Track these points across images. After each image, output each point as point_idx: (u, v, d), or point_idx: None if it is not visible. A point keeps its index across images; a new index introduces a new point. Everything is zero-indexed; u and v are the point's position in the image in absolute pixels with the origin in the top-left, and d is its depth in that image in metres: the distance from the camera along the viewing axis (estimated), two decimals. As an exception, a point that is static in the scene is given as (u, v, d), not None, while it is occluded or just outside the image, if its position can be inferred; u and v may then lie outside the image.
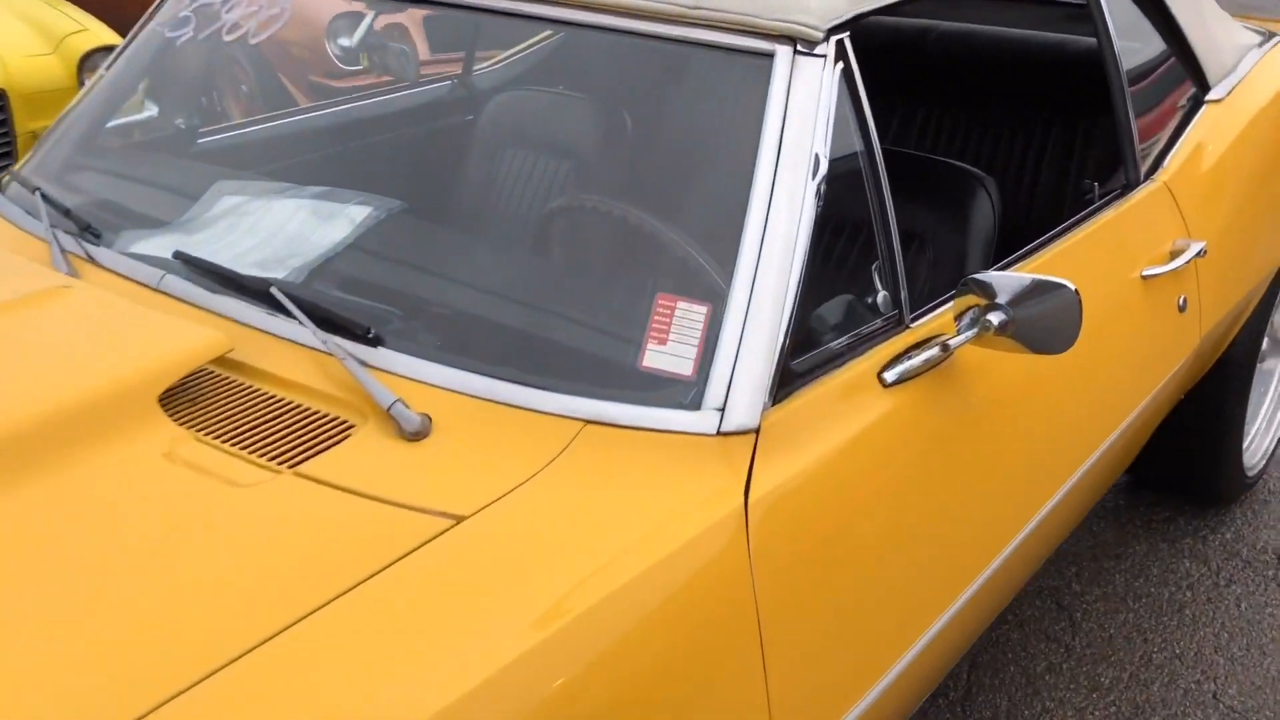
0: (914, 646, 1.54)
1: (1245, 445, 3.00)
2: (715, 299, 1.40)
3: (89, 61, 4.51)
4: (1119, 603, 2.69)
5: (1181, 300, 2.13)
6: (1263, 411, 3.10)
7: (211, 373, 1.45)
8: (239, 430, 1.36)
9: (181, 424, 1.36)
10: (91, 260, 1.76)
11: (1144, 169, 2.16)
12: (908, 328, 1.58)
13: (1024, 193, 2.55)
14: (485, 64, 2.86)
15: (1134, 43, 2.41)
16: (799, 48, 1.51)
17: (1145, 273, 2.03)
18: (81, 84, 4.48)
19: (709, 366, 1.36)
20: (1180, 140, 2.27)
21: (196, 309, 1.60)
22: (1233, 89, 2.44)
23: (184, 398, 1.41)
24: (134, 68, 2.20)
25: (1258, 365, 3.03)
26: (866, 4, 1.60)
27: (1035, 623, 2.61)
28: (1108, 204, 2.07)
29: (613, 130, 1.72)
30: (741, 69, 1.54)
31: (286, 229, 1.76)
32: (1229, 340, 2.57)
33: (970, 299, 1.55)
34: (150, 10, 2.20)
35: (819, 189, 1.46)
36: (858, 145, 1.57)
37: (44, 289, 1.59)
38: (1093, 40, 2.58)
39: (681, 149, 1.63)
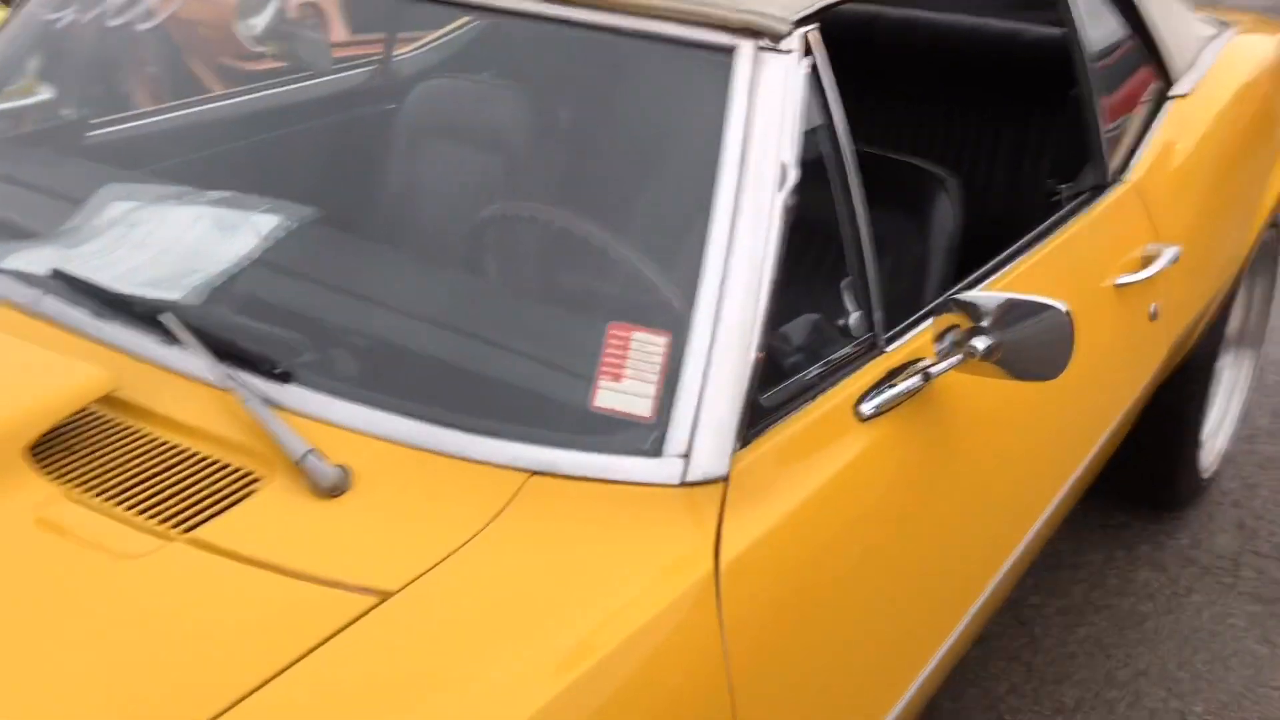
0: (899, 700, 1.40)
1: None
2: (675, 327, 1.24)
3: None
4: (1078, 615, 2.59)
5: (1153, 309, 2.02)
6: (1215, 412, 3.02)
7: (92, 415, 1.25)
8: (123, 485, 1.16)
9: (55, 479, 1.16)
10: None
11: (1111, 169, 2.03)
12: (883, 352, 1.43)
13: (977, 191, 2.42)
14: (409, 48, 2.65)
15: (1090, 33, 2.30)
16: (762, 43, 1.35)
17: (1119, 281, 1.91)
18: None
19: (670, 406, 1.20)
20: (1147, 139, 2.15)
21: (79, 336, 1.40)
22: (1197, 84, 2.33)
23: (59, 446, 1.21)
24: (16, 48, 1.97)
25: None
26: (834, -9, 1.44)
27: (995, 639, 2.50)
28: (1078, 208, 1.94)
29: (554, 131, 1.53)
30: (699, 66, 1.37)
31: (183, 242, 1.55)
32: (1190, 344, 2.47)
33: (951, 319, 1.41)
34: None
35: (787, 202, 1.30)
36: (826, 150, 1.41)
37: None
38: (1049, 29, 2.46)
39: (633, 155, 1.46)
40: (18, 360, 1.29)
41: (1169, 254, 1.97)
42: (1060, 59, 2.13)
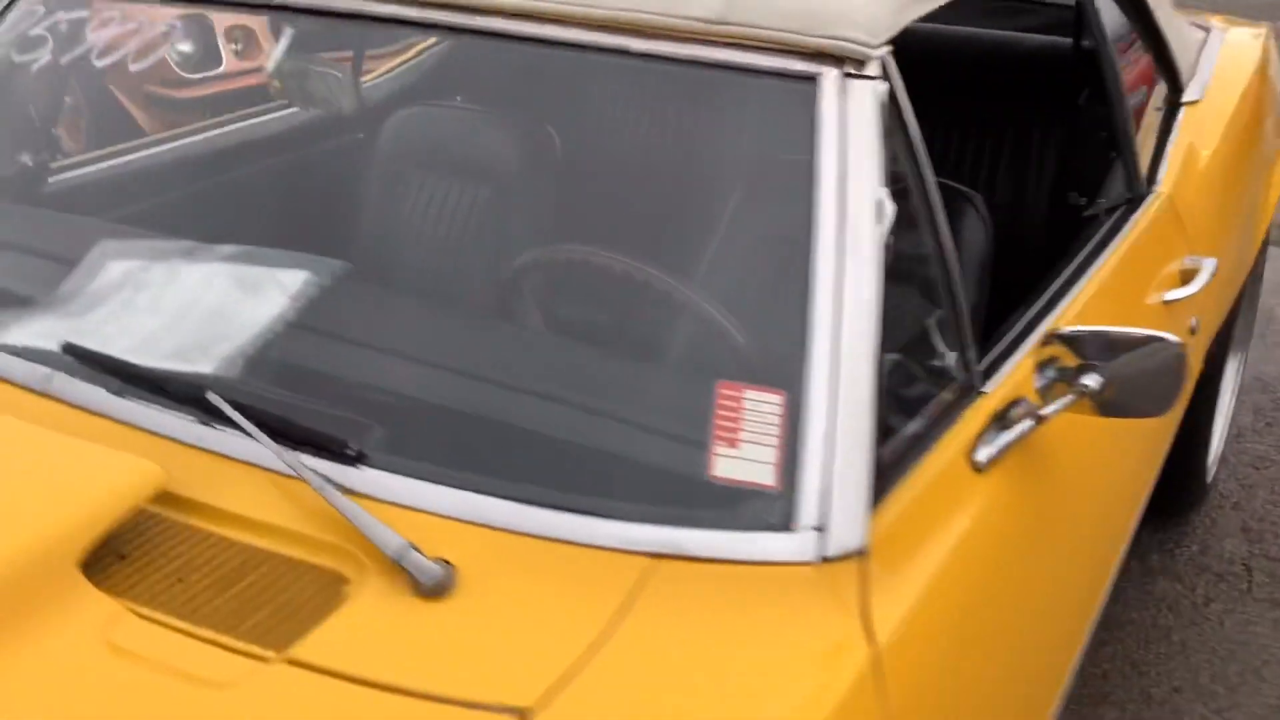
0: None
1: (1203, 451, 2.91)
2: (789, 383, 1.13)
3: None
4: (1104, 632, 2.54)
5: (1193, 323, 1.97)
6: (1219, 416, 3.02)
7: (146, 515, 1.10)
8: (197, 597, 1.02)
9: (118, 594, 1.02)
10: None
11: (1149, 182, 1.98)
12: (982, 393, 1.34)
13: (998, 206, 2.36)
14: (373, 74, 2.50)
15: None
16: (847, 69, 1.25)
17: (1167, 298, 1.86)
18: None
19: (795, 471, 1.09)
20: (1168, 148, 2.11)
21: (101, 419, 1.25)
22: (1205, 89, 2.29)
23: (112, 554, 1.06)
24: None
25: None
26: (913, 10, 1.35)
27: (1023, 664, 2.44)
28: (1119, 223, 1.88)
29: (622, 171, 1.41)
30: (778, 96, 1.27)
31: (201, 305, 1.41)
32: (1205, 351, 2.44)
33: (1050, 354, 1.33)
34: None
35: (886, 239, 1.21)
36: (910, 179, 1.32)
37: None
38: (1049, 38, 2.41)
39: (708, 196, 1.35)
40: (49, 455, 1.13)
41: (1209, 267, 1.92)
42: (1060, 67, 2.08)
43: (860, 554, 1.08)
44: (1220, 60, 2.46)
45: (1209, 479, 2.89)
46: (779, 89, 1.27)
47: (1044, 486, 1.36)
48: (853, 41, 1.25)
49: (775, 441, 1.11)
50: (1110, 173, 2.03)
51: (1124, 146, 1.95)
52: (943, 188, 1.99)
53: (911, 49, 2.24)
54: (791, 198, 1.22)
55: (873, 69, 1.26)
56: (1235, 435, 3.26)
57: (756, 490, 1.09)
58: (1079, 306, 1.61)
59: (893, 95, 1.30)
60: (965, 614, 1.17)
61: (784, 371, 1.14)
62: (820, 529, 1.07)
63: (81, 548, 1.03)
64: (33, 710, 0.91)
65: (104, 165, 2.15)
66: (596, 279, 1.33)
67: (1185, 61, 2.30)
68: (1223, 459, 3.10)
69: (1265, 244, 2.57)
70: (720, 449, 1.11)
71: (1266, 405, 3.45)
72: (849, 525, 1.08)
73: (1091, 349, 1.29)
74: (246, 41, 4.59)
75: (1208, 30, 2.70)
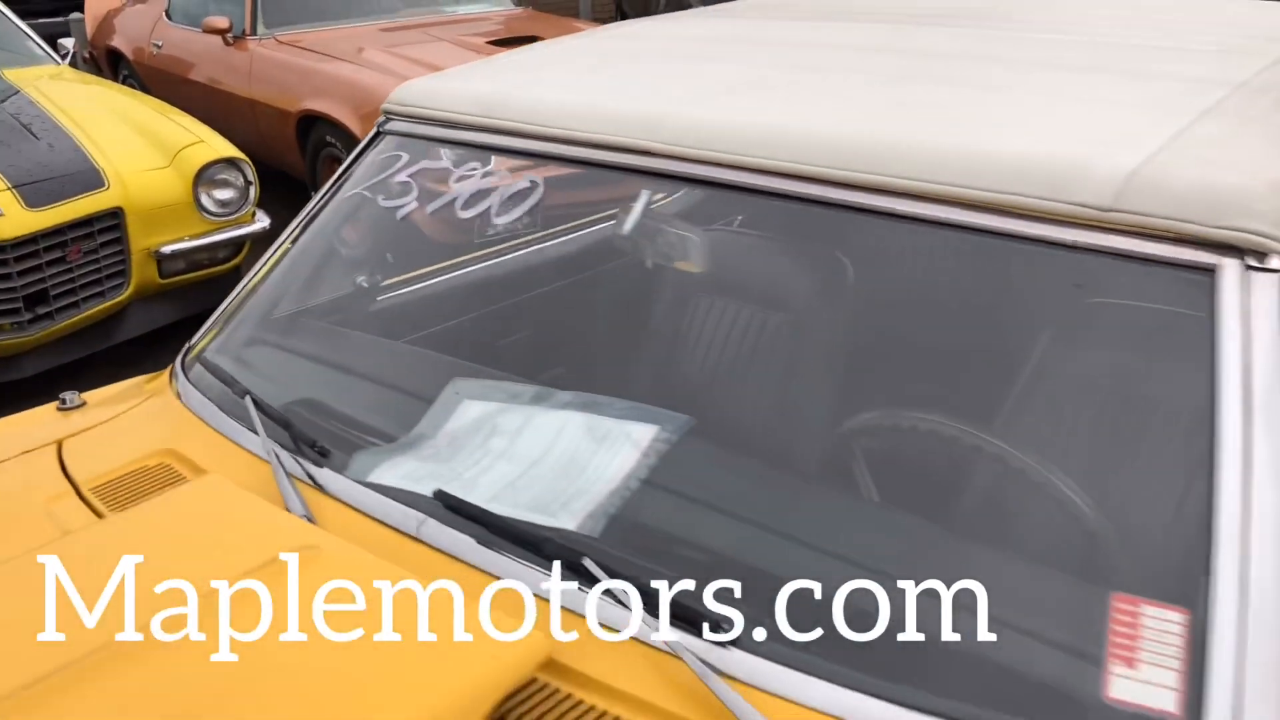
0: None
1: None
2: (1190, 600, 1.07)
3: (205, 175, 4.31)
4: None
5: None
6: None
7: (537, 684, 1.13)
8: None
9: (509, 770, 1.05)
10: (318, 487, 1.47)
11: None
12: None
13: None
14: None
15: None
16: (1249, 261, 1.20)
17: None
18: (197, 198, 4.28)
19: (1201, 701, 1.03)
20: None
21: (469, 568, 1.30)
22: None
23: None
24: (328, 236, 1.93)
25: None
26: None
27: None
28: None
29: (983, 356, 1.38)
30: (1171, 285, 1.22)
31: (556, 455, 1.46)
32: None
33: None
34: (343, 169, 1.93)
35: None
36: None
37: (287, 550, 1.28)
38: None
39: (1095, 387, 1.31)
40: (442, 614, 1.18)
41: None
42: None
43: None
44: None
45: None
46: (1173, 278, 1.22)
47: None
48: (1258, 235, 1.19)
49: (1178, 664, 1.04)
50: None
51: None
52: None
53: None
54: (1191, 395, 1.17)
55: (1276, 262, 1.20)
56: None
57: (1158, 718, 1.03)
58: None
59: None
60: None
61: (1183, 585, 1.08)
62: (1234, 768, 1.00)
63: (483, 713, 1.06)
64: None
65: (422, 285, 2.27)
66: (946, 451, 1.30)
67: None
68: None
69: None
70: (1117, 667, 1.06)
71: None
72: (1266, 767, 1.00)
73: None
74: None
75: None
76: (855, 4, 2.24)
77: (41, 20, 7.91)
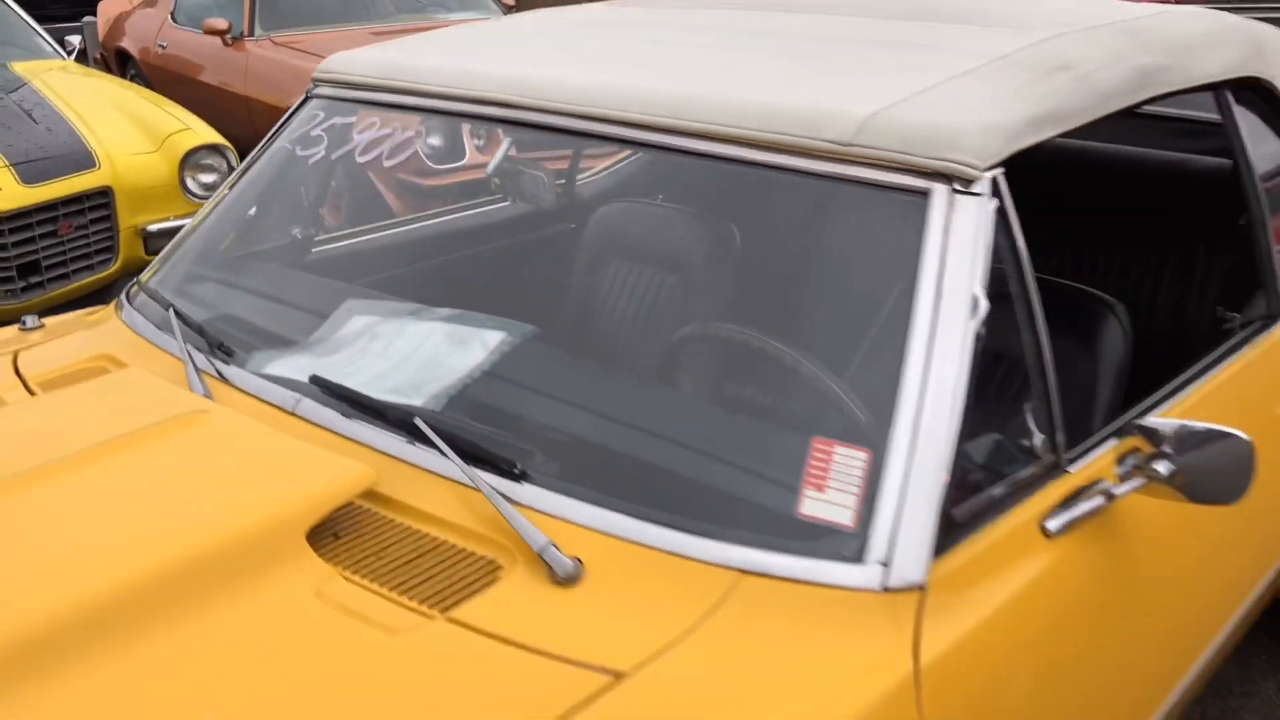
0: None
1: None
2: (875, 445, 1.36)
3: (191, 159, 4.63)
4: (1220, 699, 2.56)
5: (1326, 437, 2.05)
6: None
7: (357, 507, 1.42)
8: (387, 569, 1.33)
9: (330, 561, 1.33)
10: (223, 379, 1.77)
11: (1284, 299, 2.09)
12: (1066, 472, 1.52)
13: (1142, 316, 2.48)
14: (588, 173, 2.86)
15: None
16: (956, 186, 1.48)
17: (1290, 410, 1.96)
18: (182, 181, 4.60)
19: (870, 517, 1.31)
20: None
21: (334, 435, 1.59)
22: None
23: (329, 532, 1.38)
24: (258, 184, 2.23)
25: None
26: (1022, 141, 1.57)
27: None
28: (1250, 337, 2.00)
29: (754, 262, 1.68)
30: (894, 206, 1.51)
31: (420, 353, 1.75)
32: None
33: (1133, 443, 1.49)
34: (275, 128, 2.23)
35: (978, 331, 1.42)
36: (1012, 281, 1.53)
37: (182, 414, 1.58)
38: (1215, 160, 2.53)
39: (831, 285, 1.60)
40: (294, 456, 1.47)
41: (1343, 385, 2.01)
42: (1227, 189, 2.20)
43: (919, 588, 1.28)
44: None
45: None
46: (897, 200, 1.50)
47: (1112, 563, 1.51)
48: (962, 164, 1.48)
49: (857, 490, 1.33)
50: (1259, 291, 2.14)
51: (1264, 267, 2.06)
52: (1088, 296, 2.16)
53: (1091, 170, 2.48)
54: (900, 291, 1.45)
55: (980, 188, 1.49)
56: None
57: (835, 529, 1.32)
58: (1183, 408, 1.74)
59: (1004, 210, 1.52)
60: (1013, 658, 1.34)
61: (871, 434, 1.37)
62: (885, 564, 1.28)
63: (308, 525, 1.35)
64: (256, 632, 1.22)
65: (355, 240, 2.58)
66: (736, 351, 1.59)
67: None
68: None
69: None
70: (810, 492, 1.34)
71: None
72: (911, 564, 1.28)
73: (1166, 440, 1.45)
74: (488, 138, 5.13)
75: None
76: None
77: (58, 25, 8.28)
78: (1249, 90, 2.16)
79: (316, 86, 2.21)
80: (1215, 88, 2.07)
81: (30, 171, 4.23)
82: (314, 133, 2.11)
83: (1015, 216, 1.54)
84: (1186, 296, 2.57)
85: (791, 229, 1.67)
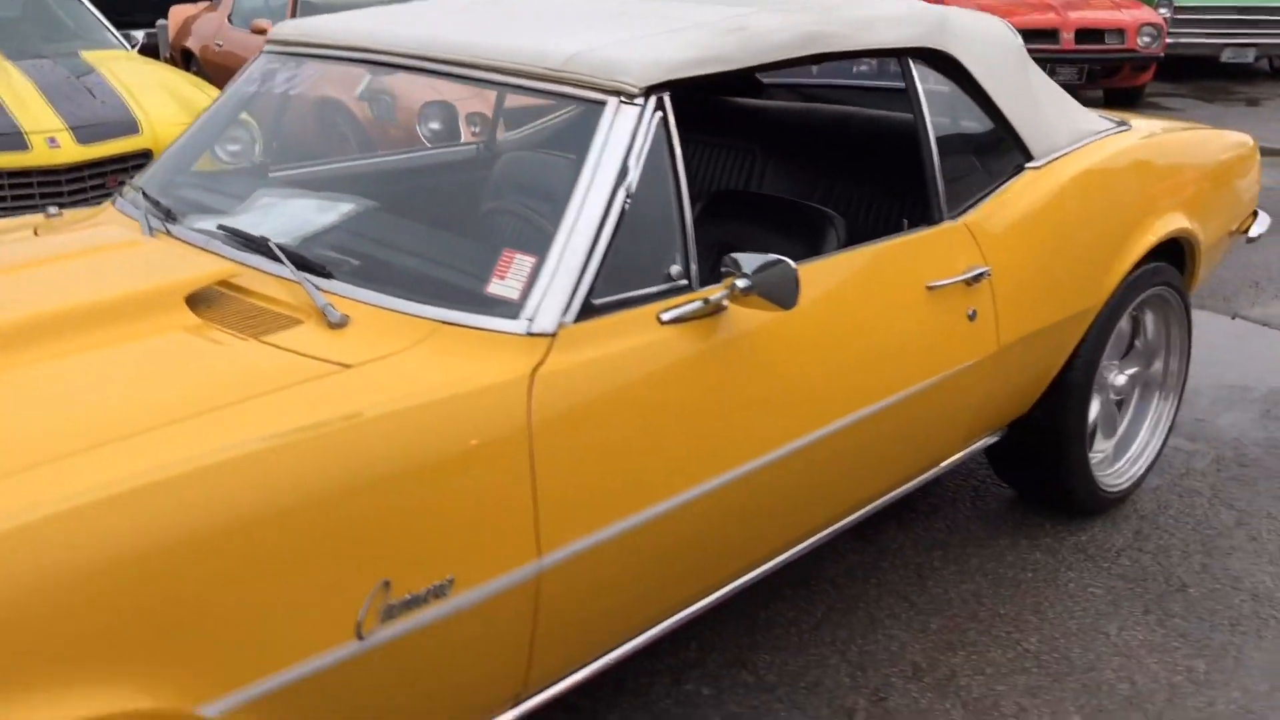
0: (679, 494, 2.19)
1: (1111, 468, 3.56)
2: (540, 254, 2.14)
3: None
4: (968, 577, 3.27)
5: (971, 311, 2.77)
6: (1135, 443, 3.66)
7: (224, 290, 2.24)
8: (234, 321, 2.14)
9: (199, 315, 2.15)
10: (168, 233, 2.60)
11: (952, 212, 2.83)
12: (693, 290, 2.28)
13: (856, 228, 3.23)
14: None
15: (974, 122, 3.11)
16: (622, 100, 2.26)
17: (930, 284, 2.69)
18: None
19: (528, 294, 2.10)
20: (992, 193, 2.93)
21: (224, 259, 2.42)
22: (1052, 160, 3.09)
23: (202, 301, 2.20)
24: (225, 111, 3.08)
25: (1132, 402, 3.63)
26: (680, 73, 2.34)
27: (892, 584, 3.21)
28: (907, 232, 2.75)
29: (505, 147, 2.47)
30: (584, 110, 2.29)
31: (293, 214, 2.58)
32: (1061, 363, 3.18)
33: (730, 271, 2.26)
34: (235, 78, 3.08)
35: (627, 191, 2.19)
36: (668, 173, 2.29)
37: (127, 240, 2.42)
38: (904, 114, 3.28)
39: (545, 161, 2.40)
40: (186, 259, 2.30)
41: (976, 270, 2.74)
42: (911, 135, 2.94)
43: (550, 335, 2.05)
44: (1091, 145, 3.23)
45: (1114, 491, 3.53)
46: (587, 108, 2.29)
47: (715, 353, 2.26)
48: (626, 83, 2.26)
49: (523, 280, 2.11)
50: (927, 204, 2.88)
51: (930, 186, 2.80)
52: (813, 209, 2.95)
53: (816, 121, 3.41)
54: (579, 164, 2.24)
55: (640, 102, 2.26)
56: (1182, 474, 3.85)
57: (506, 301, 2.10)
58: (826, 267, 2.50)
59: (665, 121, 2.29)
60: (615, 379, 2.10)
61: (540, 248, 2.15)
62: (530, 319, 2.06)
63: (186, 292, 2.17)
64: (141, 345, 2.04)
65: (302, 169, 3.42)
66: (476, 200, 2.41)
67: (1045, 138, 3.11)
68: (1154, 487, 3.72)
69: (1119, 290, 3.26)
70: (495, 280, 2.13)
71: (1230, 458, 3.99)
72: (548, 321, 2.06)
73: (744, 265, 2.21)
74: (482, 124, 5.98)
75: (1122, 125, 3.46)
76: None
77: (142, 29, 9.31)
78: (936, 59, 2.90)
79: (267, 45, 3.05)
80: (898, 54, 2.82)
81: (85, 134, 5.17)
82: (255, 76, 2.96)
83: (674, 128, 2.30)
84: (885, 213, 3.36)
85: (528, 125, 2.48)
